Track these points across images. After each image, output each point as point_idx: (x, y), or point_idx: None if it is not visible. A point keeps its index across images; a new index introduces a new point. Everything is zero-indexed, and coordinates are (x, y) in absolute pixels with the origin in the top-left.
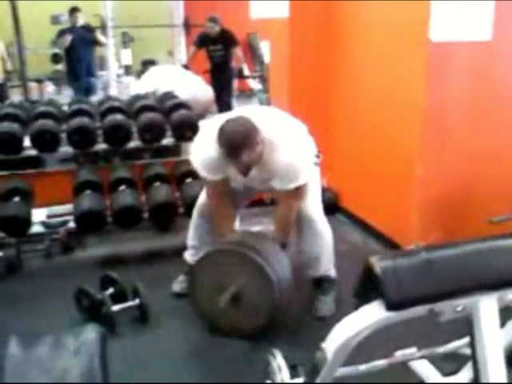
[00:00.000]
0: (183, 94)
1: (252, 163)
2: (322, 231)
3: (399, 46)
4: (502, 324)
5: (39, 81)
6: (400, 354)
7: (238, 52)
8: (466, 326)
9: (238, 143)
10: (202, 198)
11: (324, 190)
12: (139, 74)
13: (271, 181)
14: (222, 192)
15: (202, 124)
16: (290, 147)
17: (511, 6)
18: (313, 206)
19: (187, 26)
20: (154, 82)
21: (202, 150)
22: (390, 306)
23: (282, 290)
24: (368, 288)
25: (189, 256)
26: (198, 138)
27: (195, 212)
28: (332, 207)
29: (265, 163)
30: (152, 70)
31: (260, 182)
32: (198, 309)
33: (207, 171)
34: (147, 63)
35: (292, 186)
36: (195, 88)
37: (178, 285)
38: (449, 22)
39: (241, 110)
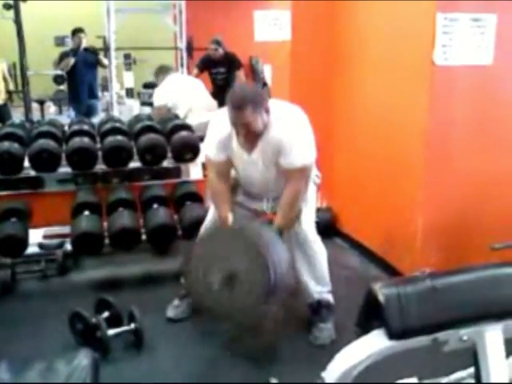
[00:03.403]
0: (200, 117)
1: (255, 129)
2: (316, 251)
3: (403, 69)
4: (508, 355)
5: (41, 101)
6: None
7: (240, 75)
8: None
9: (245, 95)
10: (206, 224)
11: (322, 211)
12: (140, 96)
13: (278, 159)
14: (223, 175)
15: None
16: (297, 126)
17: None
18: (307, 226)
19: (190, 48)
20: (173, 95)
21: (212, 128)
22: (393, 335)
23: (277, 274)
24: (370, 316)
25: None
26: (210, 123)
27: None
28: (330, 228)
29: (271, 138)
30: (172, 79)
31: (264, 166)
32: (192, 290)
33: (213, 147)
34: (149, 86)
35: (298, 163)
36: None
37: (173, 310)
38: (452, 46)
39: None
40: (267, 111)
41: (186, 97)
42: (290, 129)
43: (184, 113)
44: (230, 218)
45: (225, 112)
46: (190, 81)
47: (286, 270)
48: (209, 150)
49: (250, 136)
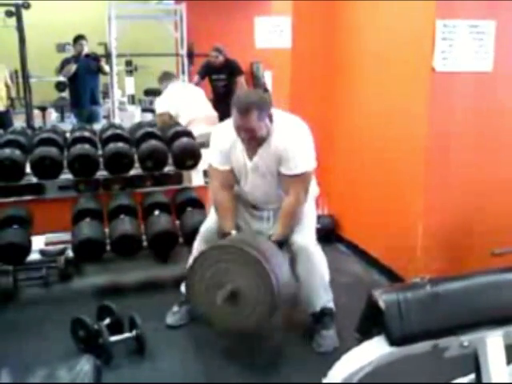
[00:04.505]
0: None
1: (259, 135)
2: (316, 261)
3: (403, 75)
4: (509, 361)
5: (43, 108)
6: None
7: (241, 81)
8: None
9: (251, 100)
10: (205, 225)
11: (324, 217)
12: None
13: (278, 167)
14: (227, 184)
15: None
16: (299, 135)
17: (511, 39)
18: (307, 236)
19: (191, 55)
20: (175, 104)
21: (216, 138)
22: (394, 342)
23: (280, 289)
24: (371, 322)
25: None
26: (214, 133)
27: (197, 242)
28: (331, 233)
29: (273, 146)
30: (174, 87)
31: (264, 173)
32: (196, 306)
33: (217, 156)
34: (150, 92)
35: (298, 170)
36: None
37: (172, 317)
38: (452, 52)
39: None
40: (270, 118)
41: (188, 107)
42: (291, 137)
43: (185, 124)
44: (234, 234)
45: (228, 122)
46: (192, 90)
47: (288, 281)
48: (213, 159)
49: (253, 142)
